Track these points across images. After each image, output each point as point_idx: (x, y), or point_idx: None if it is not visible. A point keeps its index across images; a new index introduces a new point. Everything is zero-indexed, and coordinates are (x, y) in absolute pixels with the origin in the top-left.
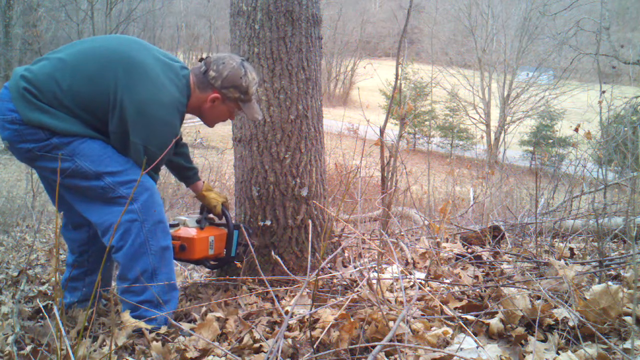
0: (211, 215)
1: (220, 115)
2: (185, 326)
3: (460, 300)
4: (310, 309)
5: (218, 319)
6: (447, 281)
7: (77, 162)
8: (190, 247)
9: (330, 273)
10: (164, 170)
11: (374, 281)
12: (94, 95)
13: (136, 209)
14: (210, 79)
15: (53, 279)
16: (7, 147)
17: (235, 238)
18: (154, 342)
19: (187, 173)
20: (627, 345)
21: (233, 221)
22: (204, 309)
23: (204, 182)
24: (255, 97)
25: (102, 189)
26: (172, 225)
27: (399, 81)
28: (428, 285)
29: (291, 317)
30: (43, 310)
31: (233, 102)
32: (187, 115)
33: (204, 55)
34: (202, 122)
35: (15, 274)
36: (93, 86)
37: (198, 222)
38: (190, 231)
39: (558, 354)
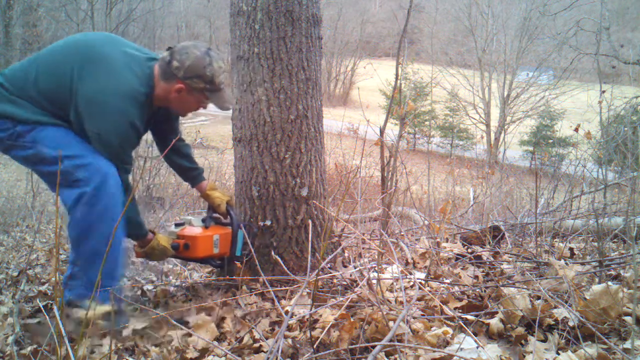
0: (218, 215)
1: (189, 105)
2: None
3: (460, 300)
4: (310, 309)
5: (214, 318)
6: (447, 281)
7: (38, 148)
8: (194, 245)
9: (330, 273)
10: (164, 169)
11: (374, 281)
12: (54, 85)
13: (88, 192)
14: (174, 69)
15: (53, 279)
16: None
17: (241, 237)
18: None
19: (191, 174)
20: (627, 345)
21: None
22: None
23: (208, 181)
24: (225, 86)
25: (62, 173)
26: (177, 224)
27: (399, 81)
28: (428, 285)
29: (291, 317)
30: (43, 310)
31: (199, 92)
32: (188, 115)
33: (172, 45)
34: (202, 122)
35: (15, 274)
36: (54, 77)
37: (204, 221)
38: (195, 230)
39: (558, 354)
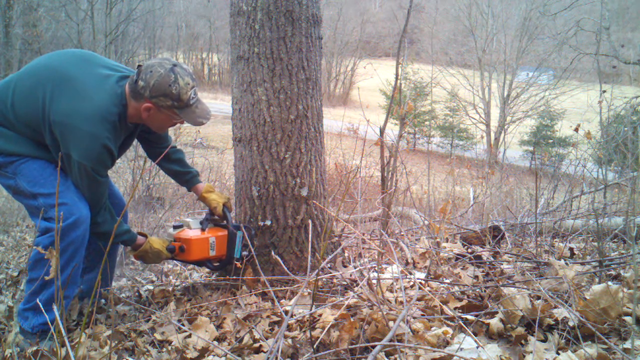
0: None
1: (162, 122)
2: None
3: (460, 300)
4: (310, 309)
5: (211, 319)
6: (447, 281)
7: (17, 180)
8: (189, 248)
9: (330, 273)
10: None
11: (374, 281)
12: (29, 111)
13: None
14: (140, 89)
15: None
16: None
17: (239, 239)
18: None
19: (184, 177)
20: (627, 345)
21: (234, 222)
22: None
23: (204, 183)
24: (197, 101)
25: (37, 209)
26: (176, 226)
27: (399, 81)
28: (428, 285)
29: (291, 317)
30: (43, 310)
31: (168, 109)
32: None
33: (141, 63)
34: None
35: (15, 274)
36: (28, 103)
37: (201, 223)
38: (191, 233)
39: (558, 354)
